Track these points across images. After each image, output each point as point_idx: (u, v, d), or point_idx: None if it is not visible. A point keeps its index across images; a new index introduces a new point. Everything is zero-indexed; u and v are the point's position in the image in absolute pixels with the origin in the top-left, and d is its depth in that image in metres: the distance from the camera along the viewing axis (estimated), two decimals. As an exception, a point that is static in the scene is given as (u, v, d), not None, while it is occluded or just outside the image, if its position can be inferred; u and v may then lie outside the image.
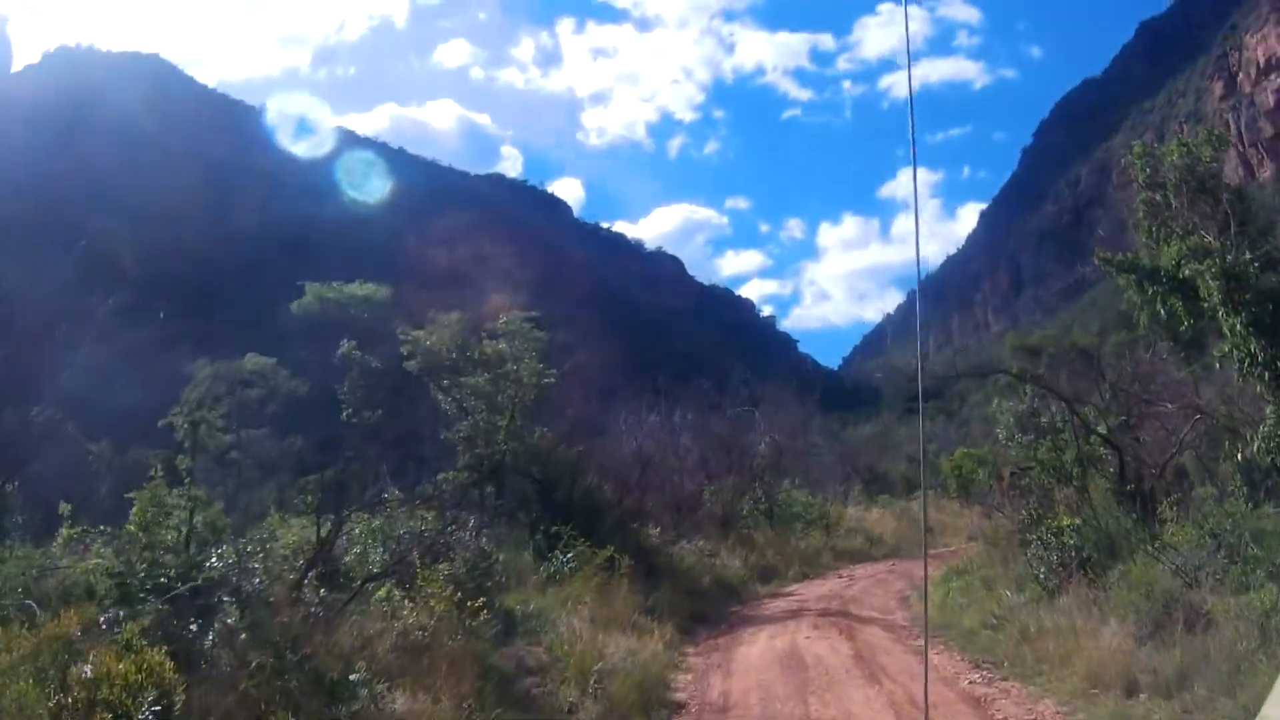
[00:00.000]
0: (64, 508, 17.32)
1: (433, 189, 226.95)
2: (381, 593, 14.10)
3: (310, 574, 13.83)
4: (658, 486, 31.97)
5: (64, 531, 16.44)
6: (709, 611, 23.16)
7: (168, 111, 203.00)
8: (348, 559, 16.42)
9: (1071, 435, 23.22)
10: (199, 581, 13.85)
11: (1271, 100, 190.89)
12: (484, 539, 19.89)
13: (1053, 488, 22.31)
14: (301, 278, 42.86)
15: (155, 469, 17.40)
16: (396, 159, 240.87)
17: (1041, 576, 17.74)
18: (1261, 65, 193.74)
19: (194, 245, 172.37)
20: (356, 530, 17.24)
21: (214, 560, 14.19)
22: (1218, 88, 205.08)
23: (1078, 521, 18.65)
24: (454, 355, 26.53)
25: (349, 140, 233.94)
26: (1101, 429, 22.51)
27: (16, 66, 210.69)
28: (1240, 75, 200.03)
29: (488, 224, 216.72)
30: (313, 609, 13.06)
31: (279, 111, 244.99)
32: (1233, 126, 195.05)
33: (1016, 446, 25.27)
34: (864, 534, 37.83)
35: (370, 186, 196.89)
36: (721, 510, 33.66)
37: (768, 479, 37.57)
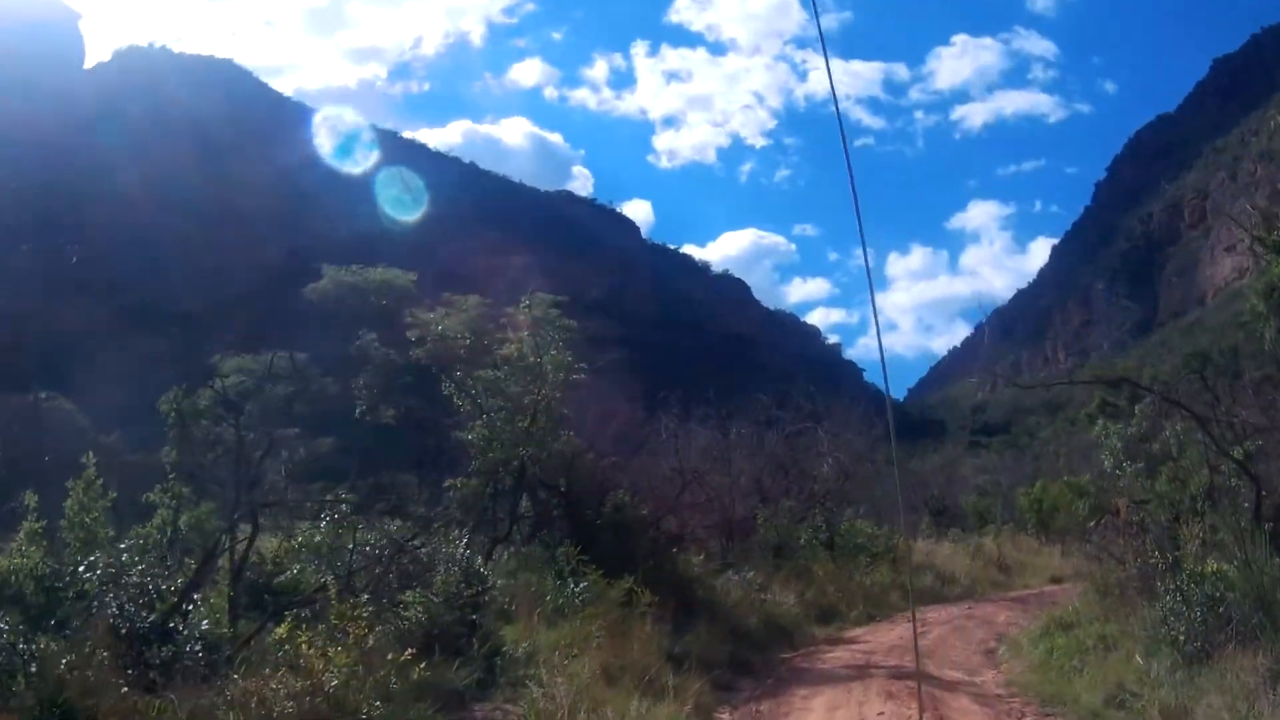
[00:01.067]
0: (29, 498, 14.91)
1: (502, 204, 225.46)
2: (281, 630, 10.02)
3: (195, 595, 10.00)
4: (704, 507, 27.94)
5: (26, 525, 14.70)
6: (754, 659, 18.94)
7: (240, 117, 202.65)
8: (282, 579, 12.63)
9: (1199, 462, 19.12)
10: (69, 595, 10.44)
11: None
12: (479, 559, 15.99)
13: (1177, 525, 18.04)
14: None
15: (88, 456, 14.32)
16: (468, 173, 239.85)
17: (1181, 638, 13.48)
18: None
19: (260, 251, 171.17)
20: (298, 544, 13.44)
21: (83, 570, 10.60)
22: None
23: (1224, 568, 14.36)
24: (468, 342, 22.70)
25: (421, 153, 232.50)
26: (1237, 454, 18.32)
27: (89, 64, 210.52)
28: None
29: (555, 239, 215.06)
30: (188, 649, 9.27)
31: (352, 123, 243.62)
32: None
33: (1125, 475, 21.13)
34: (935, 571, 33.39)
35: (436, 199, 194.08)
36: (776, 538, 29.48)
37: (830, 505, 33.38)
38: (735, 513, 29.78)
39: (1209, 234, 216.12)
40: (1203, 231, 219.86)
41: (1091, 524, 20.73)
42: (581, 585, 17.02)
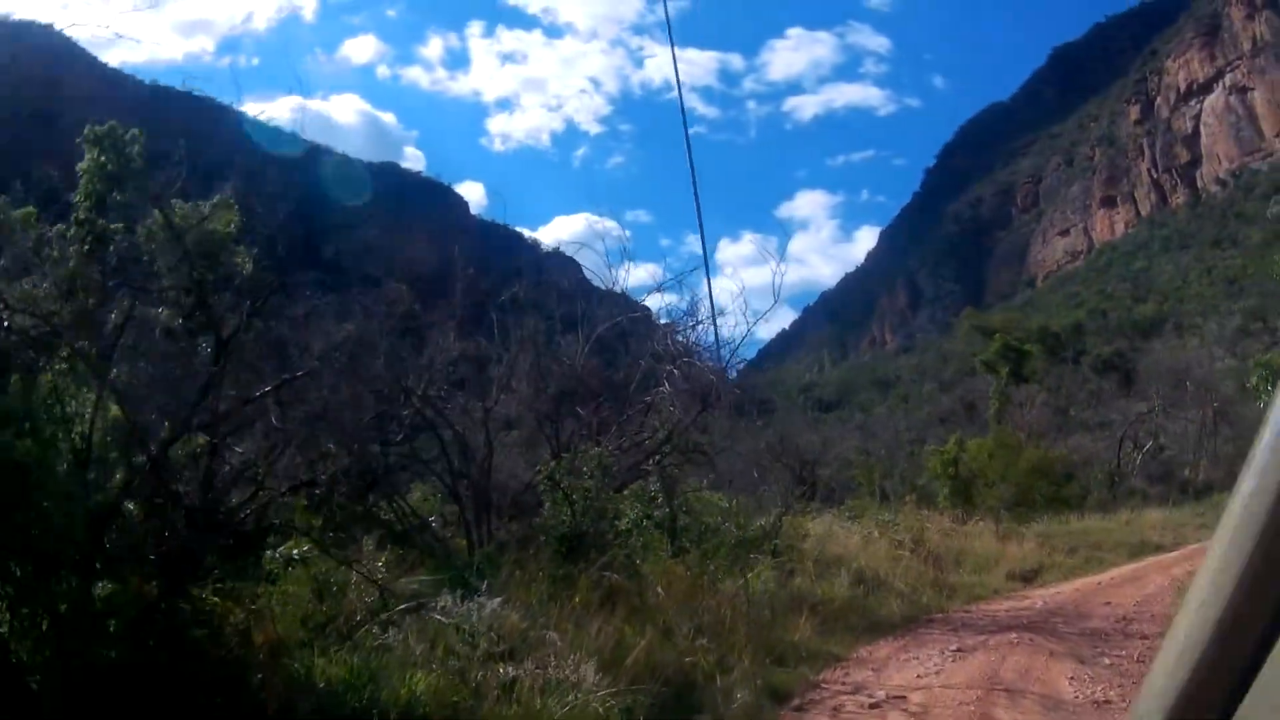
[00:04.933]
0: None
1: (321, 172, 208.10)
2: None
3: None
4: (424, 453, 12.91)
5: None
6: None
7: (60, 86, 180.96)
8: None
9: None
10: None
11: (1189, 126, 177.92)
12: None
13: None
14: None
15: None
16: (283, 140, 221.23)
17: None
18: (1181, 90, 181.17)
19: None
20: None
21: None
22: (1134, 111, 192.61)
23: None
24: None
25: (240, 119, 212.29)
26: None
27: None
28: (1159, 100, 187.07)
29: (380, 213, 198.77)
30: None
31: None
32: (1146, 152, 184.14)
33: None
34: (847, 569, 18.70)
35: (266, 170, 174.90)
36: (572, 520, 14.12)
37: (672, 462, 18.37)
38: (495, 473, 14.70)
39: (1041, 218, 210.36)
40: (1034, 215, 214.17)
41: None
42: None
